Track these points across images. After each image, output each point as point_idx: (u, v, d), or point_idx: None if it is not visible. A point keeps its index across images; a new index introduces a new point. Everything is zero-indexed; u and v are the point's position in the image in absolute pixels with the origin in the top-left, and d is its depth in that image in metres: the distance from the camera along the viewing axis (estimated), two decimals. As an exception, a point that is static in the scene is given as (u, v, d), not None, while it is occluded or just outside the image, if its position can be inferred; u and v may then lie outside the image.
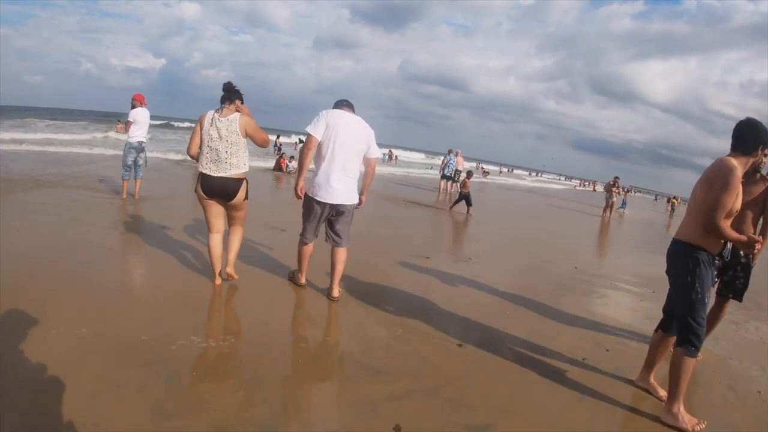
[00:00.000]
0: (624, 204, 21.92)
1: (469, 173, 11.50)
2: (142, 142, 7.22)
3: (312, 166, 3.69)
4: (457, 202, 11.12)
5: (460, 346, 3.36)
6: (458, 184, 15.24)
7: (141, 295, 3.56)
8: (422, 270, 5.30)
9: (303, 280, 3.95)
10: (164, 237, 5.11)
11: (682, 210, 29.19)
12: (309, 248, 3.79)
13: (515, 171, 65.94)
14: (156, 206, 6.77)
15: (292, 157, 16.20)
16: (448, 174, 15.24)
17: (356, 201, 3.70)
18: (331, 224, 3.68)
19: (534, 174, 73.02)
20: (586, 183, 68.10)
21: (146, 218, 6.01)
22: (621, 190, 17.28)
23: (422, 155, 55.28)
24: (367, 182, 3.80)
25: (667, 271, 2.81)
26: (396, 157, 35.47)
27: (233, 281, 3.89)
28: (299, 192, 3.57)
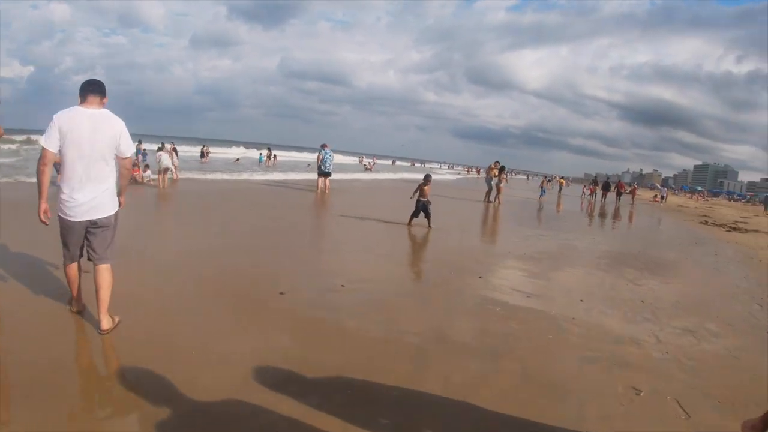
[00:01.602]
0: (544, 191, 22.01)
1: (428, 177, 8.74)
2: None
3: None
4: (415, 215, 8.51)
5: None
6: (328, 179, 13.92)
7: None
8: (269, 318, 3.45)
9: (75, 307, 3.25)
10: None
11: (569, 190, 30.62)
12: (73, 271, 3.13)
13: (397, 163, 64.82)
14: None
15: (147, 166, 13.37)
16: (326, 170, 13.60)
17: (111, 212, 3.09)
18: (87, 239, 3.08)
19: (419, 165, 74.49)
20: (471, 169, 71.74)
21: None
22: (505, 176, 16.68)
23: (308, 153, 52.56)
24: (122, 183, 3.24)
25: None
26: (274, 157, 32.11)
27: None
28: (42, 216, 2.96)
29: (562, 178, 32.79)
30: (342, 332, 3.31)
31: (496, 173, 16.01)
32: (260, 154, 33.11)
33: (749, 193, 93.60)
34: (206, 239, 6.09)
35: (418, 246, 7.25)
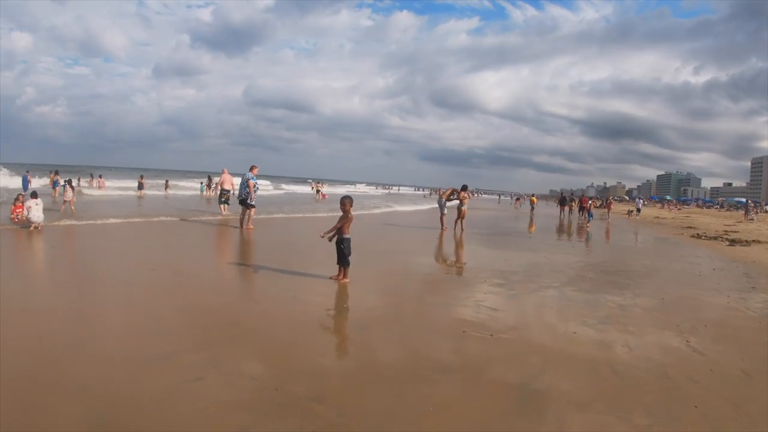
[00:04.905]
0: (590, 215, 19.96)
1: (348, 200, 5.89)
2: None
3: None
4: (342, 261, 5.81)
5: None
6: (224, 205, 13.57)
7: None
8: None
9: None
10: None
11: (540, 209, 28.79)
12: None
13: (359, 186, 61.74)
14: None
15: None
16: (241, 197, 10.86)
17: None
18: None
19: (388, 188, 72.53)
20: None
21: None
22: (470, 195, 14.58)
23: (263, 181, 49.34)
24: None
25: None
26: (216, 186, 28.16)
27: None
28: None
29: (533, 196, 31.18)
30: None
31: (448, 195, 13.77)
32: (201, 183, 29.95)
33: (720, 198, 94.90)
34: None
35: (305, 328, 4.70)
